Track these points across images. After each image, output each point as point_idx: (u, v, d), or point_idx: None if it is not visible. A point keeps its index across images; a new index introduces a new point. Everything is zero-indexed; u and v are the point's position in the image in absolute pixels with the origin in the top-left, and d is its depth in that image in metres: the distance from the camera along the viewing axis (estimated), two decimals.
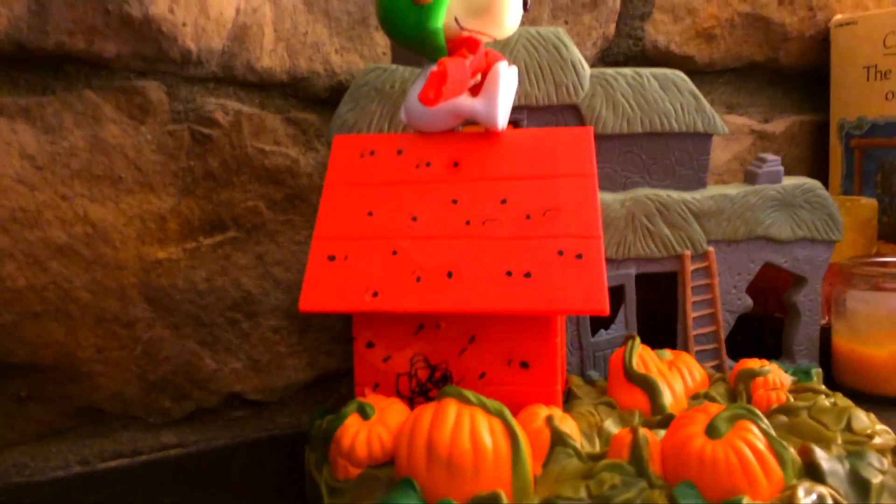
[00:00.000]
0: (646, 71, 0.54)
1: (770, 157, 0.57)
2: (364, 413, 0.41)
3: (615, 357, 0.49)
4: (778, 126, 0.72)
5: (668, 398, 0.47)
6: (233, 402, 0.56)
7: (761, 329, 0.65)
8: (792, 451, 0.39)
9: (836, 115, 0.70)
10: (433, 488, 0.37)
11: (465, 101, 0.44)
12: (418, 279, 0.42)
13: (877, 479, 0.38)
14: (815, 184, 0.58)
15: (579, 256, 0.41)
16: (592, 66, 0.65)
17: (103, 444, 0.52)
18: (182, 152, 0.52)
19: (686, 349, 0.58)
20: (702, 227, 0.56)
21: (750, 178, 0.58)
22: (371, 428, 0.40)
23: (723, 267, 0.57)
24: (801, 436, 0.44)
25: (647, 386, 0.47)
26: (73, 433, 0.52)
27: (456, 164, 0.45)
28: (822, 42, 0.70)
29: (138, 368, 0.52)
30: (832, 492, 0.37)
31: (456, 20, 0.44)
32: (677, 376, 0.49)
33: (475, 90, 0.45)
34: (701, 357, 0.58)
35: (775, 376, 0.50)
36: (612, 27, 0.63)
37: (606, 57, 0.65)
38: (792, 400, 0.47)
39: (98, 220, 0.50)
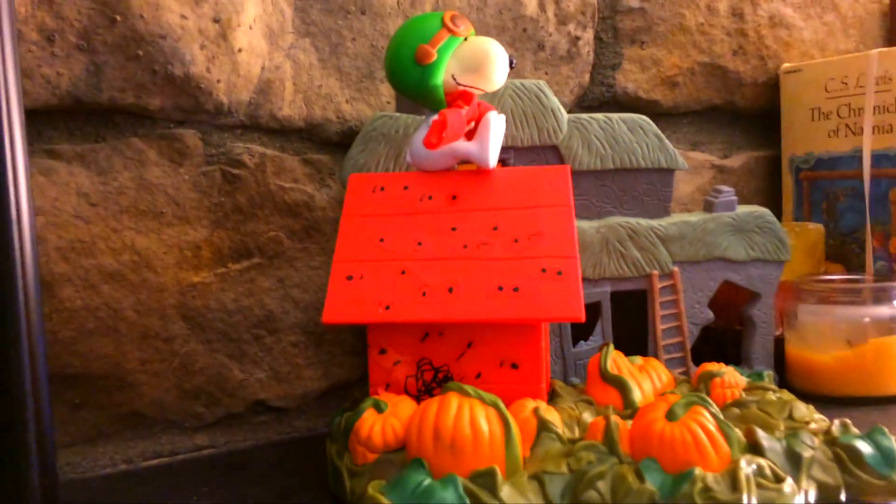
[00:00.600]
0: (615, 116, 0.63)
1: (725, 188, 0.65)
2: (378, 408, 0.48)
3: (593, 361, 0.56)
4: (735, 161, 0.80)
5: (637, 395, 0.54)
6: (257, 409, 0.63)
7: (724, 340, 0.73)
8: (738, 431, 0.46)
9: (787, 150, 0.79)
10: (439, 466, 0.44)
11: (462, 145, 0.52)
12: (424, 294, 0.49)
13: (808, 454, 0.46)
14: (765, 211, 0.66)
15: (560, 273, 0.49)
16: (570, 111, 0.73)
17: (145, 445, 0.59)
18: (214, 190, 0.60)
19: (656, 357, 0.65)
20: (667, 249, 0.64)
21: (708, 206, 0.66)
22: (385, 420, 0.47)
23: (687, 284, 0.65)
24: (750, 423, 0.52)
25: (620, 385, 0.54)
26: (119, 436, 0.58)
27: (454, 198, 0.53)
28: (773, 87, 0.79)
29: (176, 378, 0.59)
30: (770, 463, 0.44)
31: (453, 77, 0.52)
32: (646, 378, 0.57)
33: (469, 135, 0.53)
34: (669, 364, 0.65)
35: (731, 377, 0.58)
36: (587, 76, 0.72)
37: (583, 102, 0.73)
38: (744, 396, 0.55)
39: (143, 249, 0.57)
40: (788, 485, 0.43)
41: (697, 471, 0.43)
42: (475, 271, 0.50)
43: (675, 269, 0.64)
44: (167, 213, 0.58)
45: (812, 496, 0.44)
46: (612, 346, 0.56)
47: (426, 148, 0.51)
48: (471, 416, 0.45)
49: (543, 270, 0.49)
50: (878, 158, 0.69)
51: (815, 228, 0.73)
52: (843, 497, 0.45)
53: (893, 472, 0.45)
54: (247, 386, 0.62)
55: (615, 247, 0.63)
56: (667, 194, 0.64)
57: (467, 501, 0.42)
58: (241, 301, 0.61)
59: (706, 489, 0.43)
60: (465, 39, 0.52)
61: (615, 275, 0.64)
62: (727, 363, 0.62)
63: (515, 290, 0.49)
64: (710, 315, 0.66)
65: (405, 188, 0.53)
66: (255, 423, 0.63)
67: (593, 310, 0.64)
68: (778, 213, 0.81)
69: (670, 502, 0.43)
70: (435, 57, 0.51)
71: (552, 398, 0.55)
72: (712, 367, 0.59)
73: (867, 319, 0.63)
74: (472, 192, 0.53)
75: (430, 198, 0.53)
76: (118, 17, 0.54)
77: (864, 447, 0.45)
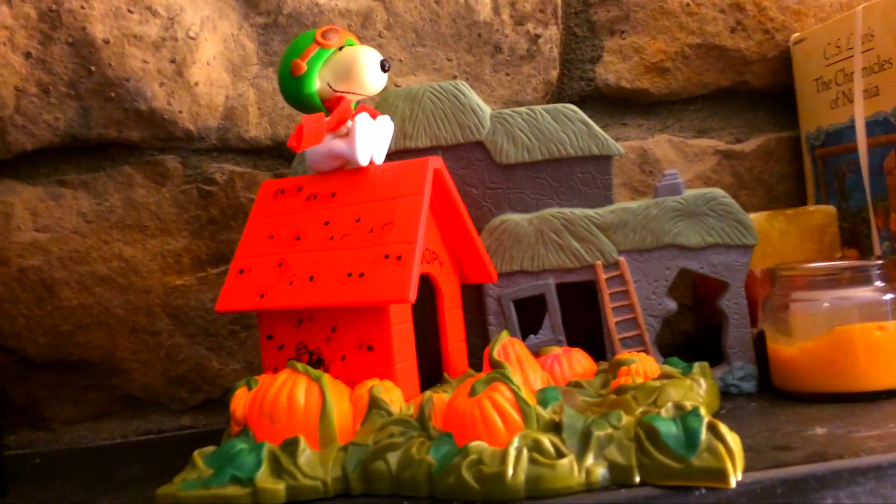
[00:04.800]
0: (539, 107, 0.62)
1: (669, 171, 0.62)
2: (249, 386, 0.54)
3: (487, 349, 0.57)
4: (750, 145, 0.73)
5: (518, 380, 0.54)
6: None
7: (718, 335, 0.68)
8: (538, 408, 0.45)
9: (804, 128, 0.70)
10: (260, 434, 0.48)
11: (336, 144, 0.57)
12: (291, 283, 0.54)
13: (602, 432, 0.43)
14: (718, 192, 0.61)
15: (399, 258, 0.51)
16: None
17: (139, 423, 0.70)
18: (192, 205, 0.70)
19: (613, 351, 0.63)
20: (609, 238, 0.62)
21: (653, 192, 0.63)
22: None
23: (639, 275, 0.62)
24: (613, 407, 0.49)
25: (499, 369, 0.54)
26: (118, 415, 0.69)
27: (333, 195, 0.57)
28: (786, 60, 0.72)
29: (163, 367, 0.69)
30: (556, 440, 0.43)
31: (329, 85, 0.57)
32: (536, 365, 0.56)
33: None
34: None
35: (641, 366, 0.55)
36: (554, 73, 0.72)
37: (561, 98, 0.73)
38: (632, 383, 0.53)
39: (130, 257, 0.69)
40: (567, 461, 0.42)
41: (475, 444, 0.44)
42: (334, 260, 0.54)
43: (621, 258, 0.62)
44: (150, 226, 0.69)
45: (601, 475, 0.42)
46: (504, 334, 0.56)
47: (291, 149, 0.56)
48: (289, 391, 0.49)
49: (386, 257, 0.52)
50: (870, 126, 0.60)
51: (820, 210, 0.65)
52: (637, 479, 0.42)
53: (693, 456, 0.41)
54: (224, 374, 0.70)
55: (551, 238, 0.63)
56: (607, 181, 0.63)
57: (263, 465, 0.46)
58: None
59: (478, 462, 0.43)
60: (340, 49, 0.57)
61: (556, 266, 0.63)
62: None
63: (361, 275, 0.52)
64: (672, 306, 0.62)
65: (299, 189, 0.59)
66: None
67: (540, 302, 0.64)
68: (804, 197, 0.73)
69: (441, 473, 0.43)
70: (305, 69, 0.56)
71: (441, 384, 0.57)
72: (625, 355, 0.56)
73: (836, 305, 0.56)
74: (347, 189, 0.57)
75: (315, 196, 0.58)
76: (93, 68, 0.66)
77: (665, 427, 0.42)
